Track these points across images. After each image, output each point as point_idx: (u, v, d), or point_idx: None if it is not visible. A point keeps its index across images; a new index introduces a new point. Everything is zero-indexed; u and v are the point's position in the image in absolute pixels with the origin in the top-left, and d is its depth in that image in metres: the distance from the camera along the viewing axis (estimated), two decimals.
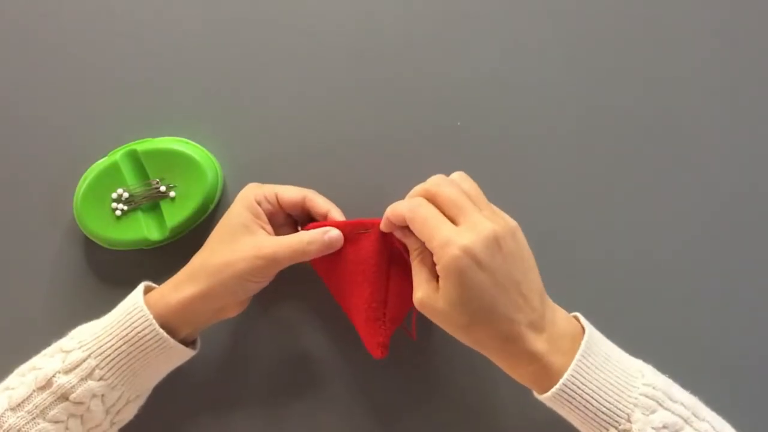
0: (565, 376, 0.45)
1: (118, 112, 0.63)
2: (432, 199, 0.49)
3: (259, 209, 0.54)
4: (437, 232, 0.47)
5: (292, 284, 0.60)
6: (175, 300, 0.52)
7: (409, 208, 0.49)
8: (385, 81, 0.63)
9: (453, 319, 0.47)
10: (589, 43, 0.63)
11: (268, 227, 0.55)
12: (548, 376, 0.46)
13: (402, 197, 0.57)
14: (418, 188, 0.50)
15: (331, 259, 0.55)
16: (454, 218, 0.48)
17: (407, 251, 0.52)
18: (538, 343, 0.46)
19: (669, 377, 0.48)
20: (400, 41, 0.63)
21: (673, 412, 0.45)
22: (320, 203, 0.56)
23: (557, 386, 0.45)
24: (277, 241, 0.53)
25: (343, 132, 0.63)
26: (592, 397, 0.45)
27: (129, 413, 0.54)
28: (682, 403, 0.46)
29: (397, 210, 0.50)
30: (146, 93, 0.63)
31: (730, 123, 0.62)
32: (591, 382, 0.45)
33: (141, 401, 0.55)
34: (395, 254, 0.54)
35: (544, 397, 0.47)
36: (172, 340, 0.52)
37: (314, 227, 0.55)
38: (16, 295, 0.62)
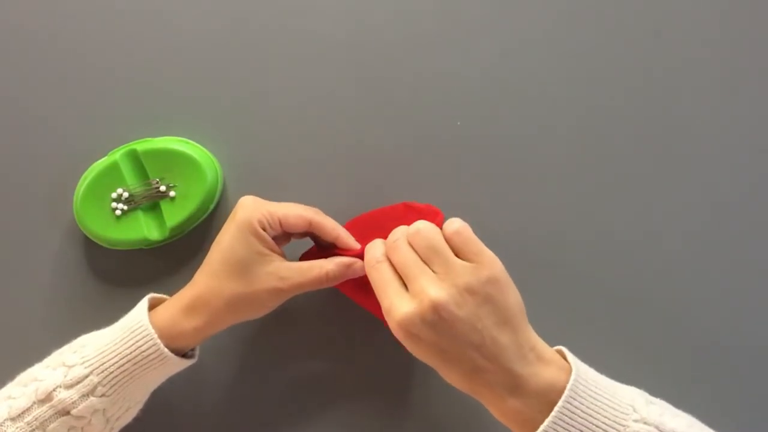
0: (542, 428, 0.44)
1: (118, 112, 0.63)
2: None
3: (265, 235, 0.53)
4: (384, 298, 0.47)
5: None
6: (191, 327, 0.52)
7: (367, 268, 0.50)
8: (385, 81, 0.63)
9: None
10: (590, 43, 0.63)
11: (278, 249, 0.54)
12: (526, 429, 0.45)
13: (401, 197, 0.58)
14: (379, 243, 0.51)
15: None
16: (405, 282, 0.48)
17: None
18: (511, 402, 0.45)
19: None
20: (400, 41, 0.63)
21: None
22: (329, 228, 0.55)
23: None
24: (299, 272, 0.53)
25: (342, 132, 0.63)
26: None
27: (128, 418, 0.54)
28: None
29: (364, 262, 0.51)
30: (146, 93, 0.63)
31: (732, 125, 0.62)
32: (574, 427, 0.44)
33: (140, 405, 0.55)
34: None
35: None
36: (176, 358, 0.52)
37: (313, 257, 0.55)
38: (16, 295, 0.62)
